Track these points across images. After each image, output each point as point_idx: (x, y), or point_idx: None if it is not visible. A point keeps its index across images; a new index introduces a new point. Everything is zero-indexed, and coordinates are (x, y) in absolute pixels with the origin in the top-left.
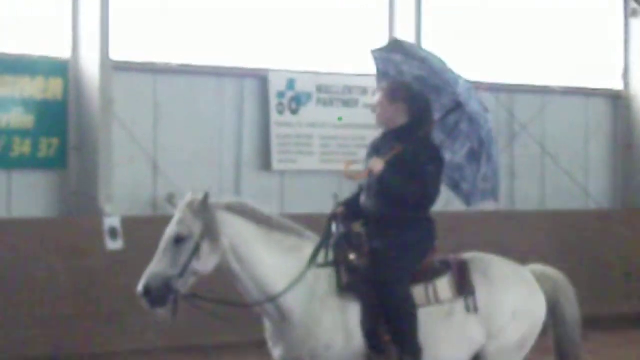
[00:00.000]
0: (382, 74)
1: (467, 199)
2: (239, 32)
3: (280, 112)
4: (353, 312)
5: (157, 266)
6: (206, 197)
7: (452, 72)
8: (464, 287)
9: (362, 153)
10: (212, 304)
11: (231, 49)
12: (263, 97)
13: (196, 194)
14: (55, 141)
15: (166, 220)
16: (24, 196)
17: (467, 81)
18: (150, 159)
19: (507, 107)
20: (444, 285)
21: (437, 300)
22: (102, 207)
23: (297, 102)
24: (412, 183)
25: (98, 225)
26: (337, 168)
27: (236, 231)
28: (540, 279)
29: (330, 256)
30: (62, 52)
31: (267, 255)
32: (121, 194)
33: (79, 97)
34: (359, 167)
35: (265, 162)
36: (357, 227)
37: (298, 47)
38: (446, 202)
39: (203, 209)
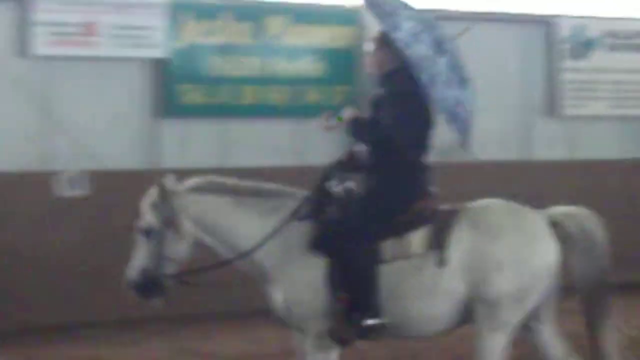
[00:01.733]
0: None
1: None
2: None
3: (570, 58)
4: (321, 268)
5: (135, 259)
6: (163, 188)
7: (400, 15)
8: (439, 240)
9: None
10: (197, 275)
11: None
12: (549, 43)
13: (161, 184)
14: (345, 89)
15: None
16: (313, 145)
17: (421, 20)
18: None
19: None
20: (416, 238)
21: (406, 255)
22: None
23: (586, 47)
24: (377, 129)
25: None
26: (628, 113)
27: (202, 209)
28: (561, 220)
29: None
30: (353, 1)
31: (239, 221)
32: None
33: None
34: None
35: (551, 108)
36: (352, 181)
37: None
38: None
39: (160, 201)
